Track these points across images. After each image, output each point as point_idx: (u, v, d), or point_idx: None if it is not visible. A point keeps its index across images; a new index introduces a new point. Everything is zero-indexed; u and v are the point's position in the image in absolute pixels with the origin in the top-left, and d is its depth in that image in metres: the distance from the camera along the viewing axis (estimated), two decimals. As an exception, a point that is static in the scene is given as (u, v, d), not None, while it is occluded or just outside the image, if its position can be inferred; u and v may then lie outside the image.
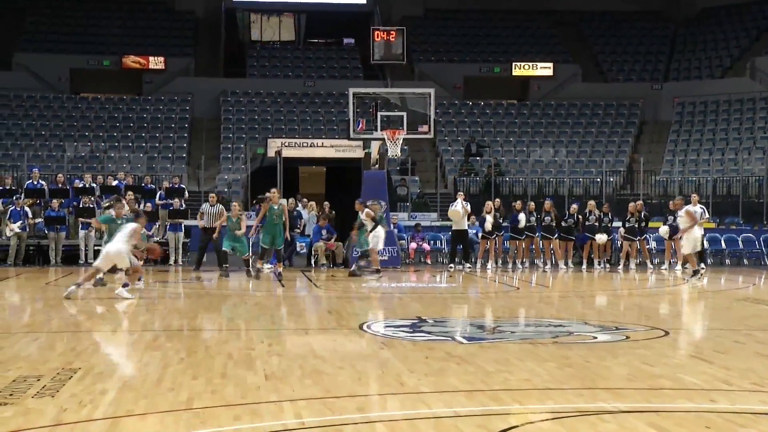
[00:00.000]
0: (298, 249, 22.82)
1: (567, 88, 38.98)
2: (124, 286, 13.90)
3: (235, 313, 12.92)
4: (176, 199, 23.19)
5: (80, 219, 22.34)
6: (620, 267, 22.01)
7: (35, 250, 22.62)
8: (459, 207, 20.70)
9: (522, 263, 22.40)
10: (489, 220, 21.84)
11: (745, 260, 24.03)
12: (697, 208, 20.46)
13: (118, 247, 13.79)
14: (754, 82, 37.26)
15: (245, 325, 11.36)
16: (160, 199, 23.46)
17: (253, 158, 31.98)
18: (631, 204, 22.79)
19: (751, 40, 40.20)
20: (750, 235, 24.69)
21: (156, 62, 38.94)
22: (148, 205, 22.89)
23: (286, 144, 30.51)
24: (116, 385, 7.03)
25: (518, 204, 22.88)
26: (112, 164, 31.23)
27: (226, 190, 31.64)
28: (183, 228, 22.88)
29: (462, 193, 22.47)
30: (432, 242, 24.65)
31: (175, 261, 22.47)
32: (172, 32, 41.13)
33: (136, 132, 35.55)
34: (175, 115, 36.88)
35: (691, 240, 17.71)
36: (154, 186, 24.61)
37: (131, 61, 38.92)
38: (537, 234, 22.26)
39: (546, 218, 22.09)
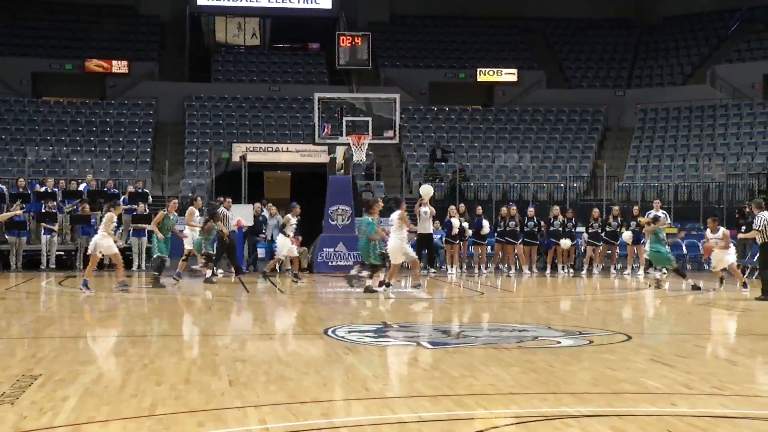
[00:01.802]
0: (259, 255, 22.76)
1: (531, 94, 39.24)
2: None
3: (199, 318, 12.84)
4: (140, 204, 23.00)
5: (42, 224, 22.09)
6: (584, 272, 22.19)
7: (-5, 255, 22.32)
8: (429, 188, 20.58)
9: (486, 268, 22.50)
10: (456, 223, 21.91)
11: (705, 265, 24.30)
12: (660, 213, 20.67)
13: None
14: (714, 89, 37.76)
15: (209, 331, 11.30)
16: (123, 204, 23.26)
17: (218, 163, 31.81)
18: (595, 210, 22.99)
19: (711, 48, 40.76)
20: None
21: (119, 66, 38.63)
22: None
23: (251, 149, 30.38)
24: (78, 391, 6.95)
25: (479, 209, 23.04)
26: (74, 168, 30.92)
27: (190, 194, 31.42)
28: (147, 233, 22.70)
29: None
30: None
31: (139, 266, 22.29)
32: (136, 36, 40.81)
33: (99, 136, 35.22)
34: (139, 119, 36.60)
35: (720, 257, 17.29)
36: (117, 191, 24.40)
37: (94, 64, 38.57)
38: (491, 239, 22.46)
39: (510, 223, 22.21)
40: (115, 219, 16.81)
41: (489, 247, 23.21)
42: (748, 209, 23.95)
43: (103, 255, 16.59)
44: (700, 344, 9.91)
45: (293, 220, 18.68)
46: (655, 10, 43.06)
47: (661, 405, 6.63)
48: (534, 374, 7.76)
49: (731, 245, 17.42)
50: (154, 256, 18.25)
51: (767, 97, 36.95)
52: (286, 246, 18.59)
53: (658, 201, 22.31)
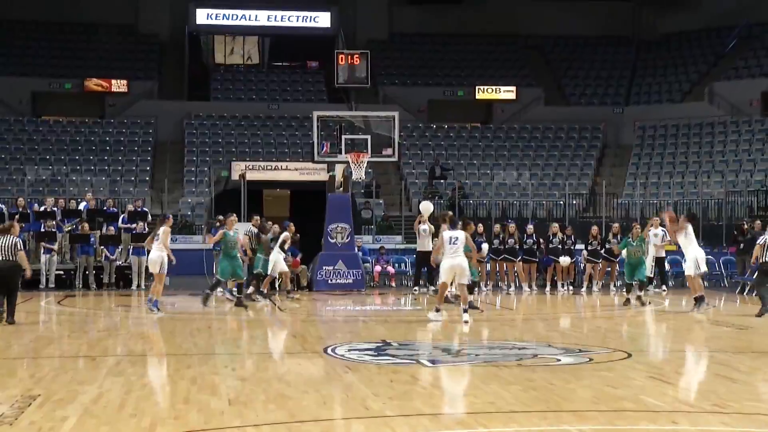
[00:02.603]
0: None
1: (530, 112, 39.32)
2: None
3: (198, 337, 12.82)
4: (139, 223, 22.99)
5: (42, 243, 22.06)
6: (583, 289, 22.16)
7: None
8: (429, 205, 20.54)
9: (486, 286, 22.47)
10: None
11: (705, 282, 24.26)
12: (659, 231, 20.67)
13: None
14: (712, 106, 37.84)
15: (209, 350, 11.27)
16: (122, 223, 23.25)
17: (217, 181, 31.84)
18: (594, 227, 22.97)
19: (709, 65, 40.88)
20: (710, 257, 24.92)
21: (119, 85, 38.72)
22: (111, 228, 22.68)
23: (250, 167, 30.42)
24: (77, 411, 6.93)
25: (480, 228, 22.98)
26: (74, 187, 30.94)
27: (189, 213, 31.45)
28: (146, 252, 22.65)
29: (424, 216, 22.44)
30: (396, 265, 24.66)
31: (138, 285, 22.25)
32: (135, 55, 40.93)
33: (98, 155, 35.26)
34: (138, 138, 36.66)
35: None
36: (116, 209, 24.39)
37: (93, 84, 38.66)
38: (487, 256, 22.42)
39: (509, 240, 22.20)
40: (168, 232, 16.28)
41: (488, 265, 23.18)
42: (746, 226, 23.98)
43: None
44: (700, 361, 9.89)
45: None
46: (653, 27, 43.22)
47: (662, 423, 6.61)
48: (534, 392, 7.74)
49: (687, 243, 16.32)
50: (218, 277, 17.39)
51: (765, 113, 37.03)
52: (279, 263, 18.59)
53: (656, 218, 22.28)
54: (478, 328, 13.65)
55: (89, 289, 21.70)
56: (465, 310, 13.73)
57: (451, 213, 18.57)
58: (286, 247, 18.85)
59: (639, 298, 17.40)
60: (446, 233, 14.07)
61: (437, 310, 14.17)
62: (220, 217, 21.87)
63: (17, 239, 13.58)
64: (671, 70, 41.30)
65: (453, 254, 13.76)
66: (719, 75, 39.50)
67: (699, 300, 15.97)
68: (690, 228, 16.34)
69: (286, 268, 19.07)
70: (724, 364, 9.76)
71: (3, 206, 23.60)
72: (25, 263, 13.59)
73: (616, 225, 22.53)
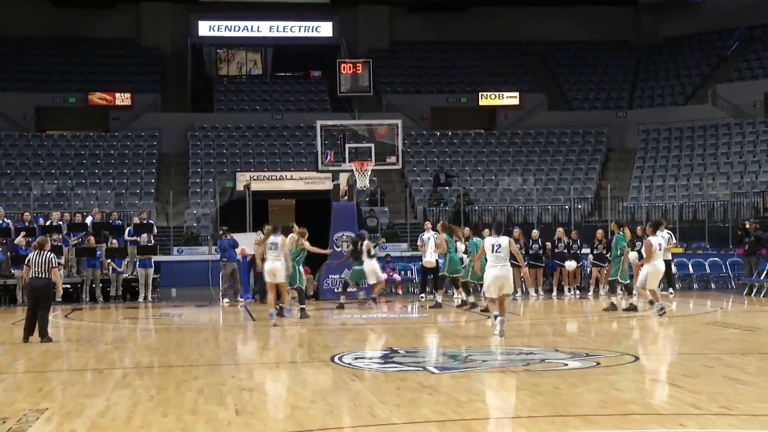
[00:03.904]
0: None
1: (533, 117, 39.34)
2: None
3: (205, 348, 12.83)
4: (145, 235, 23.03)
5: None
6: (590, 293, 22.13)
7: (1, 290, 22.33)
8: (431, 244, 20.32)
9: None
10: (461, 248, 21.89)
11: (712, 284, 24.25)
12: (665, 234, 20.61)
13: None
14: (715, 108, 37.82)
15: (216, 360, 11.28)
16: (128, 236, 23.29)
17: (222, 192, 31.88)
18: (599, 231, 22.91)
19: (712, 68, 40.87)
20: (716, 259, 24.94)
21: (122, 98, 38.84)
22: (115, 241, 22.71)
23: (255, 177, 30.44)
24: (85, 424, 6.94)
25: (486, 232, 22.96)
26: (79, 201, 31.01)
27: (194, 225, 31.49)
28: (153, 264, 22.70)
29: (429, 223, 22.46)
30: (402, 273, 24.65)
31: (145, 297, 22.28)
32: (138, 68, 41.06)
33: (103, 169, 35.36)
34: (143, 150, 36.75)
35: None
36: (122, 222, 24.43)
37: (97, 97, 38.79)
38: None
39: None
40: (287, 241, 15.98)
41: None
42: (748, 226, 23.93)
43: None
44: (707, 364, 9.87)
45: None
46: (655, 31, 43.23)
47: (670, 426, 6.60)
48: (541, 397, 7.74)
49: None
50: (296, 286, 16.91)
51: (769, 115, 37.02)
52: (377, 269, 19.21)
53: (663, 221, 22.24)
54: (486, 334, 13.64)
55: (96, 302, 21.73)
56: (496, 316, 12.92)
57: (444, 221, 18.69)
58: (372, 253, 19.42)
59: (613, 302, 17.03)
60: (488, 240, 13.11)
61: (496, 317, 12.94)
62: (225, 228, 21.96)
63: (52, 255, 13.16)
64: (674, 74, 41.31)
65: (496, 263, 12.72)
66: (722, 77, 39.48)
67: (652, 304, 15.53)
68: (652, 239, 15.65)
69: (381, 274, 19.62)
70: (731, 366, 9.74)
71: (9, 221, 23.64)
72: (58, 281, 13.31)
73: (600, 231, 22.31)
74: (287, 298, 16.86)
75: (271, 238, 15.61)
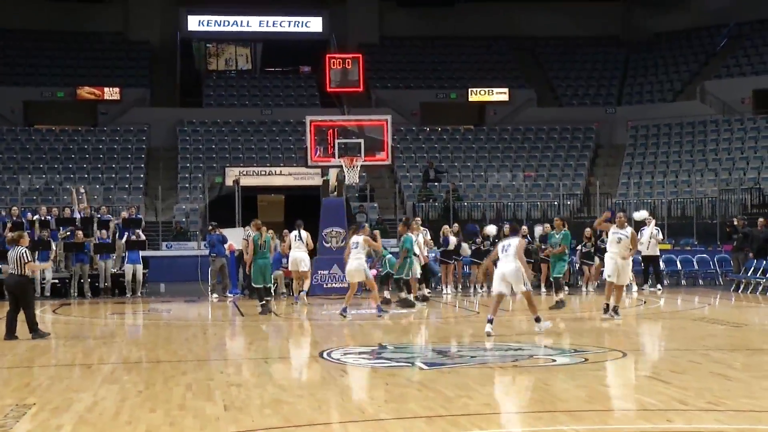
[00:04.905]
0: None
1: (523, 113, 39.38)
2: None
3: (193, 343, 12.81)
4: (134, 230, 22.94)
5: (36, 252, 21.97)
6: (584, 290, 22.15)
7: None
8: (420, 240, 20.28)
9: (482, 287, 22.45)
10: (453, 240, 21.94)
11: (700, 281, 24.33)
12: (654, 230, 20.68)
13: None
14: (704, 105, 37.93)
15: (204, 356, 11.27)
16: (117, 229, 23.21)
17: (211, 187, 31.84)
18: (587, 230, 22.92)
19: (700, 64, 40.98)
20: (705, 255, 25.00)
21: (111, 93, 38.68)
22: (103, 232, 22.60)
23: (244, 173, 30.43)
24: (72, 419, 6.93)
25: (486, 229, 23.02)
26: (67, 196, 30.88)
27: (183, 220, 31.43)
28: (141, 259, 22.63)
29: (419, 219, 22.48)
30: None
31: (134, 292, 22.20)
32: (127, 63, 40.92)
33: (91, 163, 35.24)
34: (132, 145, 36.64)
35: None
36: (110, 217, 24.34)
37: (86, 92, 38.63)
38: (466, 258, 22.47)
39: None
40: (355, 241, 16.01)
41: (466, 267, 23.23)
42: (736, 222, 24.02)
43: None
44: (695, 360, 9.91)
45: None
46: (644, 27, 43.32)
47: (657, 421, 6.62)
48: (529, 393, 7.76)
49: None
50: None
51: (757, 111, 37.13)
52: (415, 264, 18.71)
53: (651, 217, 22.30)
54: (475, 330, 13.66)
55: (84, 297, 21.66)
56: (537, 320, 12.82)
57: (407, 216, 18.66)
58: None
59: (558, 301, 16.73)
60: (503, 241, 13.28)
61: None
62: (214, 223, 21.89)
63: (24, 250, 12.91)
64: (663, 70, 41.40)
65: (502, 262, 12.89)
66: (711, 74, 39.60)
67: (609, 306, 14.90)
68: (616, 229, 15.02)
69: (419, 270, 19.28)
70: (718, 362, 9.78)
71: (-4, 216, 23.53)
72: (35, 271, 13.08)
73: (588, 230, 22.19)
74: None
75: (354, 238, 15.94)
